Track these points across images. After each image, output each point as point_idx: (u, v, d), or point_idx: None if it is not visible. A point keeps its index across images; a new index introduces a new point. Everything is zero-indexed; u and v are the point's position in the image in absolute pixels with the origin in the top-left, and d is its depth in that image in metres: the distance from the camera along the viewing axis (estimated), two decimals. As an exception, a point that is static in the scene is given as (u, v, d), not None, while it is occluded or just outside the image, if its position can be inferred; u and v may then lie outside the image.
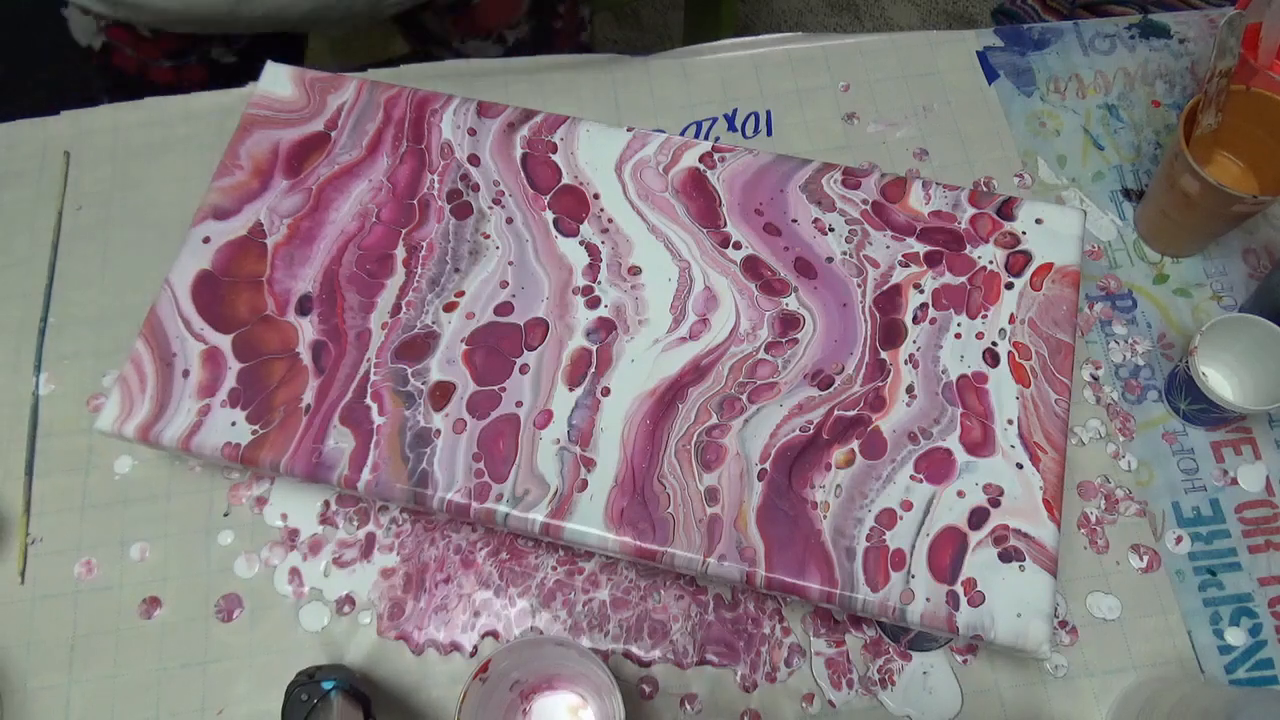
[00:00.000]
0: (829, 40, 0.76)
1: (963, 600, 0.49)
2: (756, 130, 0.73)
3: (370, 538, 0.60)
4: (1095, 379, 0.64)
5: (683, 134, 0.73)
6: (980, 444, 0.53)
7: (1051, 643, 0.50)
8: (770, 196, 0.60)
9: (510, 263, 0.58)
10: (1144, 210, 0.68)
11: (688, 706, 0.57)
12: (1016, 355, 0.55)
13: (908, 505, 0.51)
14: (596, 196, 0.60)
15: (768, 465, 0.52)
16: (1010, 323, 0.56)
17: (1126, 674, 0.57)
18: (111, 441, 0.63)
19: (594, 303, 0.57)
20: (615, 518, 0.51)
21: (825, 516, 0.51)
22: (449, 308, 0.57)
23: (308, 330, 0.56)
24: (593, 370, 0.55)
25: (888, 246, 0.58)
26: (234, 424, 0.53)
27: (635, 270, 0.58)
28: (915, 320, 0.56)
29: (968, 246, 0.58)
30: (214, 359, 0.55)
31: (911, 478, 0.52)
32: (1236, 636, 0.58)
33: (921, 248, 0.58)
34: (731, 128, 0.73)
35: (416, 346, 0.56)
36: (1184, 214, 0.63)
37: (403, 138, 0.62)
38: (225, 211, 0.59)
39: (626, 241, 0.58)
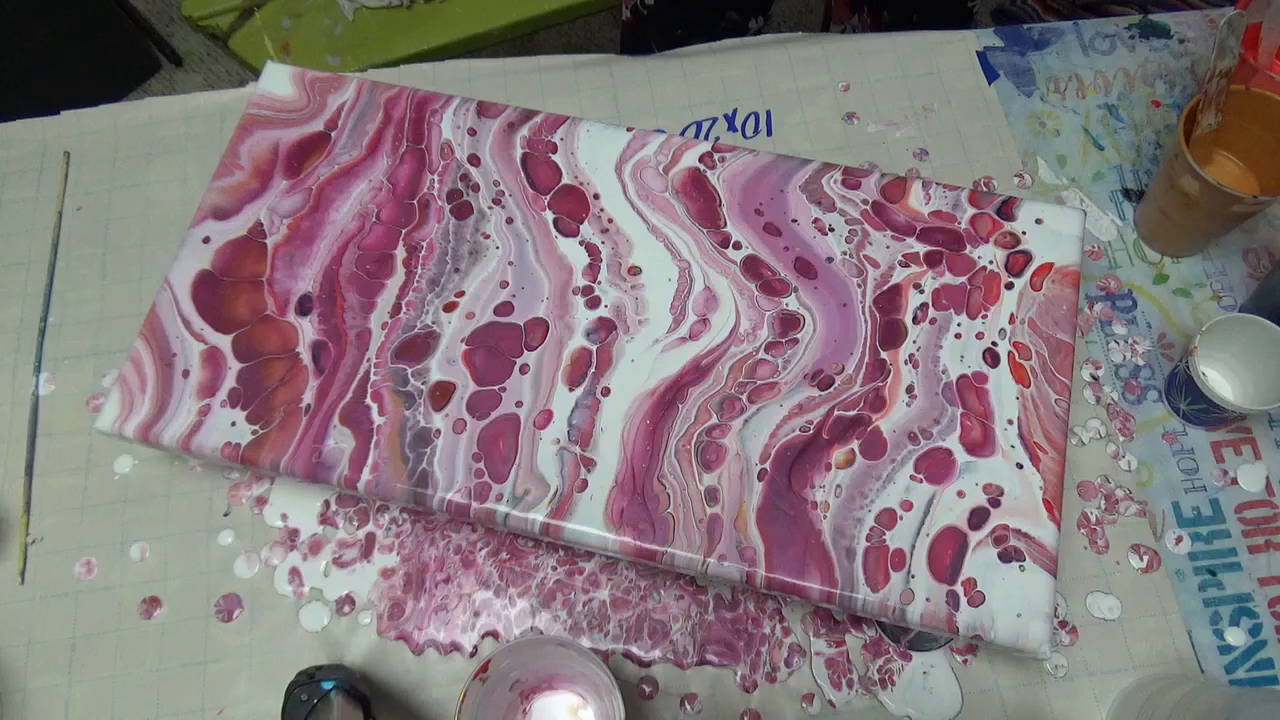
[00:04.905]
0: (829, 40, 0.76)
1: (963, 600, 0.49)
2: (756, 130, 0.73)
3: (370, 538, 0.60)
4: (1095, 379, 0.64)
5: (683, 134, 0.73)
6: (980, 444, 0.53)
7: (1051, 643, 0.50)
8: (770, 196, 0.60)
9: (510, 263, 0.58)
10: (1144, 210, 0.68)
11: (688, 706, 0.57)
12: (1016, 355, 0.55)
13: (908, 505, 0.51)
14: (596, 196, 0.60)
15: (768, 465, 0.52)
16: (1010, 323, 0.56)
17: (1126, 674, 0.57)
18: (111, 441, 0.63)
19: (594, 303, 0.57)
20: (615, 518, 0.51)
21: (825, 516, 0.51)
22: (449, 308, 0.57)
23: (308, 330, 0.56)
24: (593, 370, 0.55)
25: (888, 246, 0.58)
26: (234, 424, 0.53)
27: (635, 270, 0.58)
28: (915, 320, 0.56)
29: (968, 246, 0.58)
30: (214, 359, 0.55)
31: (911, 478, 0.52)
32: (1236, 636, 0.58)
33: (921, 248, 0.58)
34: (731, 128, 0.73)
35: (416, 346, 0.56)
36: (1184, 214, 0.63)
37: (403, 138, 0.62)
38: (225, 211, 0.59)
39: (626, 241, 0.58)
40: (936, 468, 0.52)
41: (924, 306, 0.56)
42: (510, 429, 0.53)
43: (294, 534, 0.60)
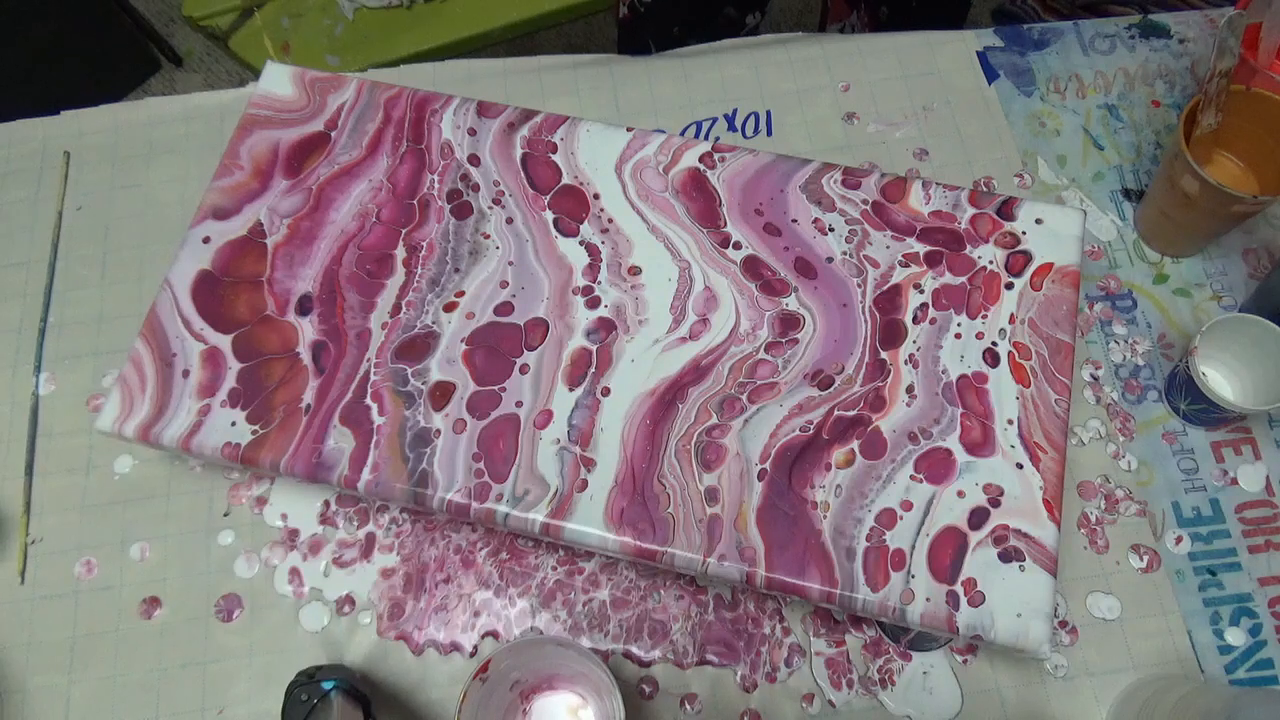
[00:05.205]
0: (829, 40, 0.76)
1: (963, 600, 0.49)
2: (756, 130, 0.73)
3: (370, 538, 0.60)
4: (1095, 379, 0.64)
5: (683, 134, 0.73)
6: (980, 444, 0.53)
7: (1051, 643, 0.50)
8: (770, 196, 0.60)
9: (510, 263, 0.58)
10: (1144, 210, 0.68)
11: (688, 706, 0.57)
12: (1016, 355, 0.55)
13: (908, 505, 0.51)
14: (596, 196, 0.60)
15: (768, 465, 0.52)
16: (1010, 323, 0.56)
17: (1126, 674, 0.57)
18: (111, 441, 0.63)
19: (594, 303, 0.57)
20: (615, 518, 0.51)
21: (825, 516, 0.51)
22: (449, 308, 0.57)
23: (308, 330, 0.56)
24: (593, 370, 0.55)
25: (888, 246, 0.58)
26: (234, 424, 0.53)
27: (635, 270, 0.58)
28: (915, 320, 0.56)
29: (968, 246, 0.58)
30: (214, 359, 0.55)
31: (911, 478, 0.52)
32: (1236, 636, 0.58)
33: (921, 248, 0.58)
34: (731, 128, 0.73)
35: (416, 346, 0.56)
36: (1184, 214, 0.63)
37: (403, 138, 0.62)
38: (225, 211, 0.59)
39: (626, 241, 0.58)
40: (936, 468, 0.52)
41: (924, 306, 0.56)
42: (510, 429, 0.53)
43: (294, 534, 0.60)
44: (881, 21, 0.99)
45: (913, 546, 0.50)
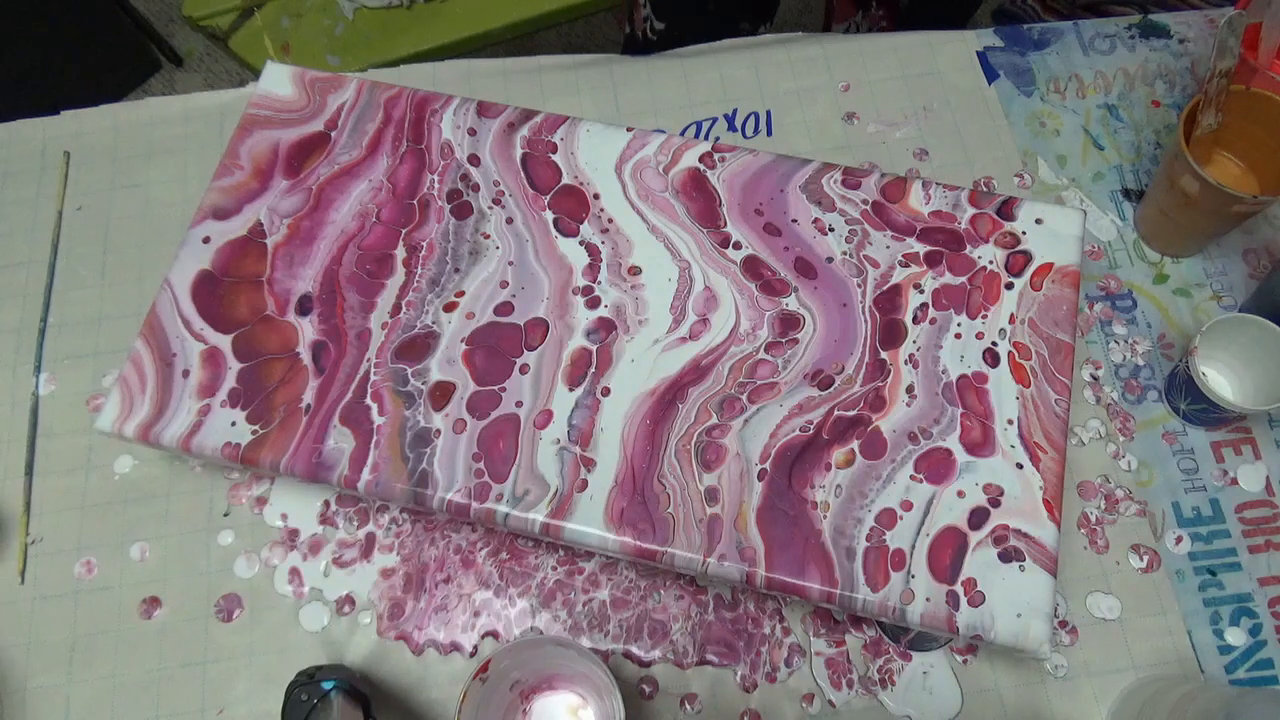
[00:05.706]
0: (829, 40, 0.76)
1: (963, 600, 0.49)
2: (756, 130, 0.73)
3: (370, 538, 0.60)
4: (1095, 379, 0.64)
5: (683, 134, 0.73)
6: (980, 444, 0.53)
7: (1051, 643, 0.50)
8: (770, 196, 0.60)
9: (510, 263, 0.58)
10: (1144, 210, 0.68)
11: (688, 706, 0.57)
12: (1016, 355, 0.55)
13: (908, 505, 0.51)
14: (596, 196, 0.60)
15: (768, 465, 0.52)
16: (1010, 323, 0.56)
17: (1126, 674, 0.57)
18: (111, 441, 0.63)
19: (594, 303, 0.57)
20: (615, 518, 0.51)
21: (825, 516, 0.51)
22: (449, 308, 0.57)
23: (308, 330, 0.56)
24: (593, 370, 0.55)
25: (888, 246, 0.58)
26: (234, 424, 0.53)
27: (635, 270, 0.58)
28: (915, 320, 0.56)
29: (968, 246, 0.58)
30: (214, 359, 0.55)
31: (911, 478, 0.52)
32: (1236, 636, 0.58)
33: (921, 248, 0.58)
34: (731, 128, 0.73)
35: (416, 346, 0.56)
36: (1184, 214, 0.63)
37: (403, 138, 0.62)
38: (225, 211, 0.59)
39: (626, 241, 0.58)
40: (936, 468, 0.52)
41: (924, 306, 0.56)
42: (510, 429, 0.53)
43: (294, 534, 0.60)
44: (901, 12, 0.98)
45: (913, 546, 0.50)
